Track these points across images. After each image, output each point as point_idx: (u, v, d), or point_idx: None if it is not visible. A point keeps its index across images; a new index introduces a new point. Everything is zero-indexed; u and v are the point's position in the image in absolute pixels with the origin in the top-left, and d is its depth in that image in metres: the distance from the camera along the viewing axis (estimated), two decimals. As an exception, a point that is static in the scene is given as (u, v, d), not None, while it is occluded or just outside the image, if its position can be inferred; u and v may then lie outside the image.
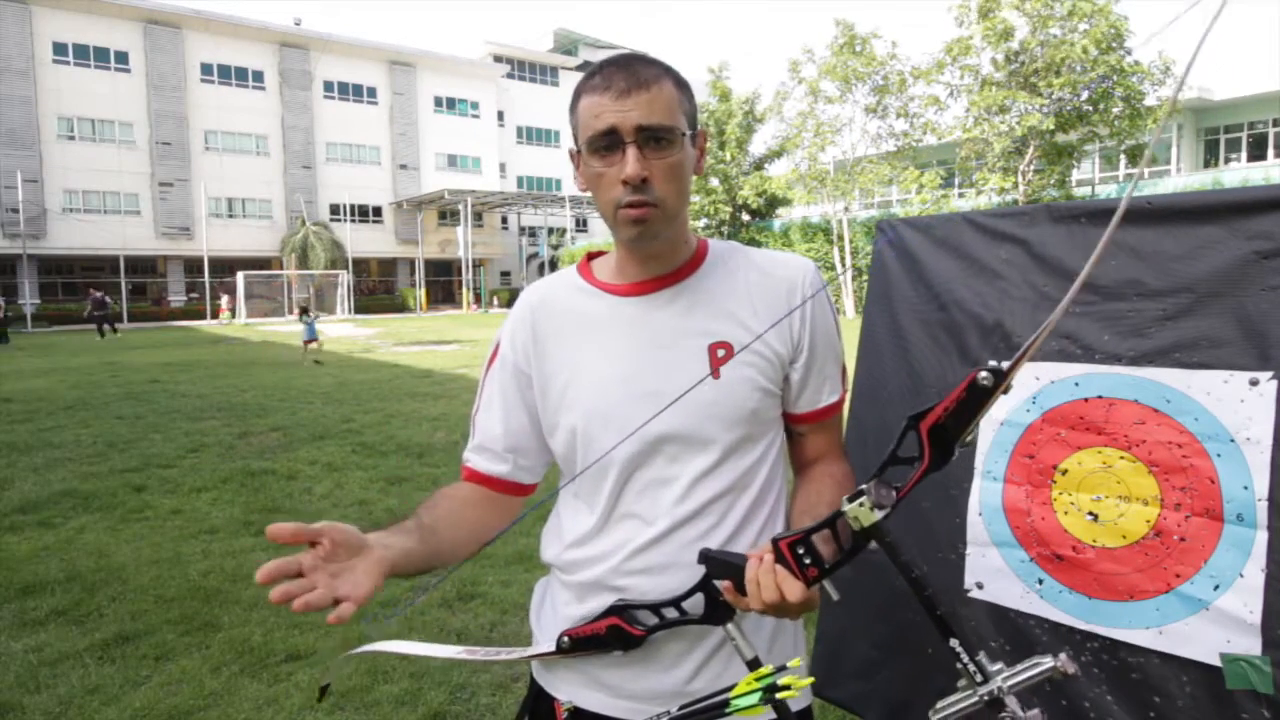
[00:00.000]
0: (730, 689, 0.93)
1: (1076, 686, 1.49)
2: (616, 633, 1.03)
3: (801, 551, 0.90)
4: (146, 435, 7.80)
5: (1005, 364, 0.74)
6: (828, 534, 0.89)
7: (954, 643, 0.80)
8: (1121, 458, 1.46)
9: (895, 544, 0.83)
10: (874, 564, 1.74)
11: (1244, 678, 1.32)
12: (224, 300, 33.98)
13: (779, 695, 0.88)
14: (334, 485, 5.88)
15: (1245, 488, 1.34)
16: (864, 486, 0.83)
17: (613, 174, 1.03)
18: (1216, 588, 1.35)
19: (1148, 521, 1.43)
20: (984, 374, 0.75)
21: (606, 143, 1.02)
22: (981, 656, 0.80)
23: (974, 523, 1.63)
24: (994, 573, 1.61)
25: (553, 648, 1.08)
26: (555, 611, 1.17)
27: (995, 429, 1.62)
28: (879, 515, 0.82)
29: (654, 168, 1.02)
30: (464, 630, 3.43)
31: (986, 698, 0.78)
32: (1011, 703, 0.77)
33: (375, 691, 2.94)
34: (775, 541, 0.91)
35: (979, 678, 0.79)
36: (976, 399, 0.75)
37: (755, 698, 0.89)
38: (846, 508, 0.83)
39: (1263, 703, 1.30)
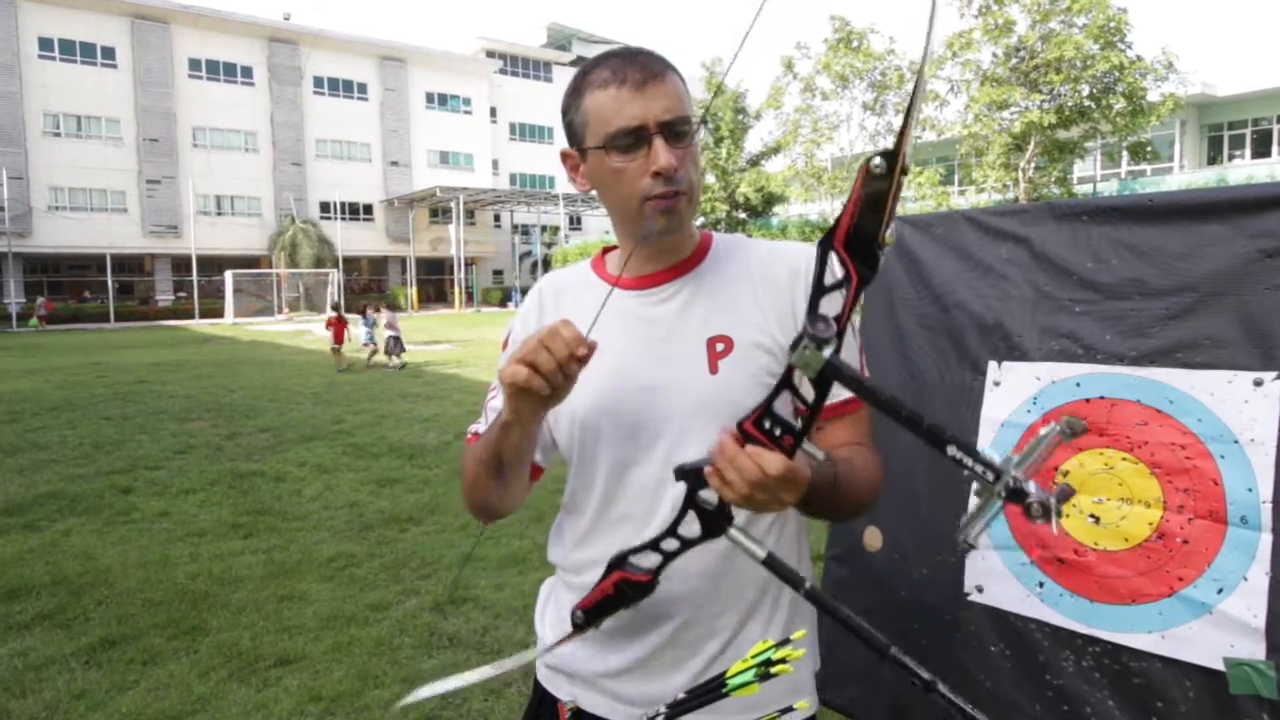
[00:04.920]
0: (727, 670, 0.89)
1: (1079, 691, 1.48)
2: (626, 586, 0.96)
3: (769, 425, 0.84)
4: (134, 436, 7.72)
5: (890, 147, 0.69)
6: (788, 396, 0.82)
7: (951, 449, 0.71)
8: (1124, 459, 1.45)
9: (856, 377, 0.76)
10: (875, 570, 1.72)
11: (1248, 682, 1.31)
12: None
13: (774, 670, 0.84)
14: (324, 487, 5.83)
15: (1249, 490, 1.32)
16: (801, 329, 0.76)
17: (635, 168, 1.02)
18: (1220, 591, 1.34)
19: (1150, 524, 1.42)
20: (876, 161, 0.70)
21: (633, 139, 1.01)
22: (985, 452, 0.71)
23: (974, 525, 1.61)
24: (994, 576, 1.59)
25: (569, 629, 1.03)
26: (559, 613, 1.17)
27: (996, 430, 1.61)
28: (828, 352, 0.75)
29: (678, 157, 1.02)
30: (456, 635, 3.39)
31: (1003, 493, 0.70)
32: (1032, 487, 0.69)
33: (365, 696, 2.90)
34: (740, 424, 0.85)
35: (990, 476, 0.71)
36: (877, 191, 0.70)
37: (750, 674, 0.85)
38: (793, 358, 0.76)
39: (1266, 707, 1.29)
